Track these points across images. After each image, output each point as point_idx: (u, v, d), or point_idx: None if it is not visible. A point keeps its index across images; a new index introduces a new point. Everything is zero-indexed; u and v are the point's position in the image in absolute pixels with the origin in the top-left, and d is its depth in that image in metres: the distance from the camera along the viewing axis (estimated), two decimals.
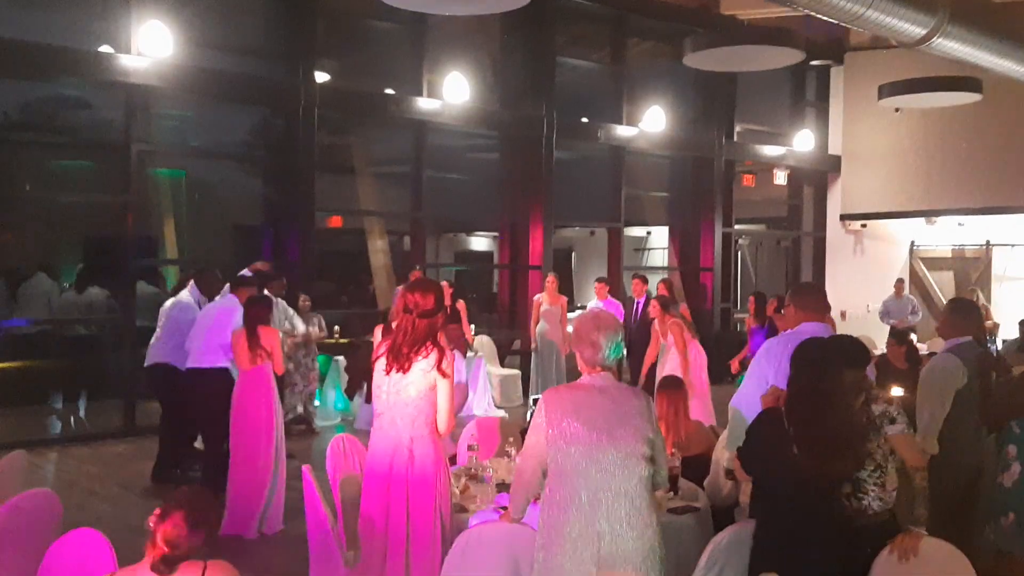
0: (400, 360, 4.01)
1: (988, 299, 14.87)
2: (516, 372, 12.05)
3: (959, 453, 4.63)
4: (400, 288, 7.61)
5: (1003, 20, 10.44)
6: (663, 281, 11.28)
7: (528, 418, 5.18)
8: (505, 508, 3.84)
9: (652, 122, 13.77)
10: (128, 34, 9.27)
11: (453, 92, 11.71)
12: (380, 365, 4.07)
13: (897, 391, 6.30)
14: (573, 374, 3.58)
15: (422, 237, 12.39)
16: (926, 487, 3.81)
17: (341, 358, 10.42)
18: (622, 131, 13.52)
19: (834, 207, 16.44)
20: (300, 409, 9.65)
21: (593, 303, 11.11)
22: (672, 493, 4.37)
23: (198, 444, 7.75)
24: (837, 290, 13.84)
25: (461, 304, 10.17)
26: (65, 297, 10.63)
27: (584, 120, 13.40)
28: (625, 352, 9.80)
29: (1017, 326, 10.43)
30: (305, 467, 4.44)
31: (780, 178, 15.65)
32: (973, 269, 15.59)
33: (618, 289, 13.44)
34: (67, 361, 9.87)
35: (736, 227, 15.61)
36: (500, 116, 12.58)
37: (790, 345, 3.78)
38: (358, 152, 12.75)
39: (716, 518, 4.40)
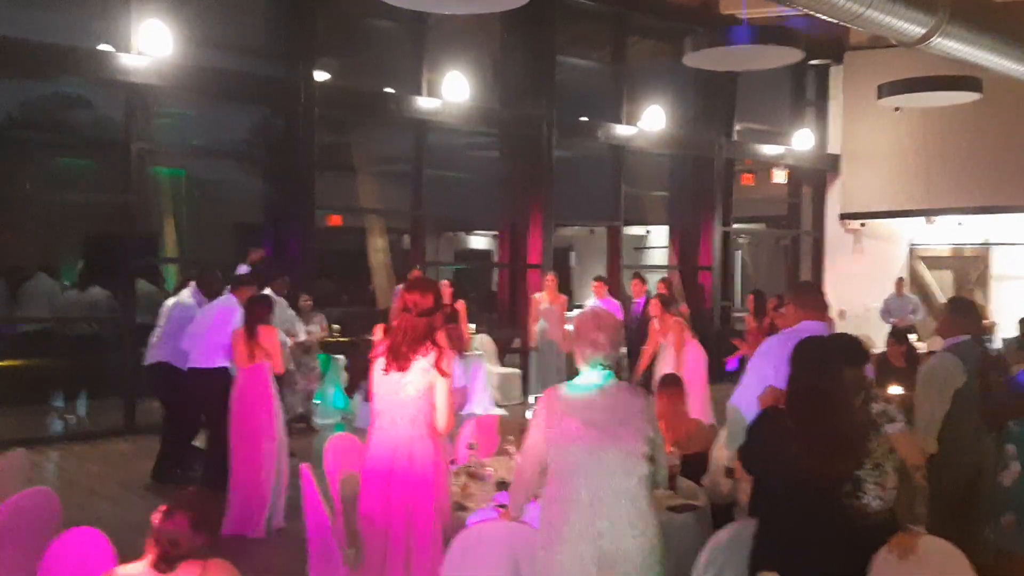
0: (399, 359, 4.02)
1: (987, 298, 14.89)
2: (516, 371, 12.05)
3: (958, 452, 4.64)
4: (399, 287, 7.62)
5: (1003, 19, 10.44)
6: (662, 280, 11.28)
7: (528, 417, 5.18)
8: (505, 506, 3.85)
9: (652, 121, 13.78)
10: (128, 33, 9.27)
11: (453, 91, 11.71)
12: (379, 364, 4.08)
13: (896, 390, 6.31)
14: (573, 373, 3.58)
15: (422, 236, 12.39)
16: (925, 486, 3.81)
17: (341, 356, 10.43)
18: (622, 130, 13.52)
19: (833, 206, 16.45)
20: (300, 408, 9.67)
21: (591, 302, 11.12)
22: (671, 491, 4.38)
23: (198, 443, 7.76)
24: (836, 289, 13.86)
25: (461, 304, 10.16)
26: (66, 296, 10.63)
27: (584, 119, 13.40)
28: (624, 351, 9.83)
29: (1017, 325, 10.44)
30: (304, 465, 4.45)
31: (779, 177, 15.64)
32: (972, 268, 15.60)
33: (617, 288, 13.44)
34: (67, 360, 9.87)
35: (735, 226, 15.61)
36: (500, 115, 12.59)
37: (789, 344, 3.79)
38: (358, 151, 12.76)
39: (715, 516, 4.41)
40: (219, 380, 6.61)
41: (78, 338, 10.09)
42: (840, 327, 10.06)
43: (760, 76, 13.73)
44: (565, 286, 13.18)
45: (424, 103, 11.52)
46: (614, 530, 3.20)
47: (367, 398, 4.70)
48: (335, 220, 14.50)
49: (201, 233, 12.94)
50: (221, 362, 6.72)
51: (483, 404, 10.62)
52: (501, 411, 10.47)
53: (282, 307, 8.94)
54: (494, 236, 17.68)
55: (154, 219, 11.91)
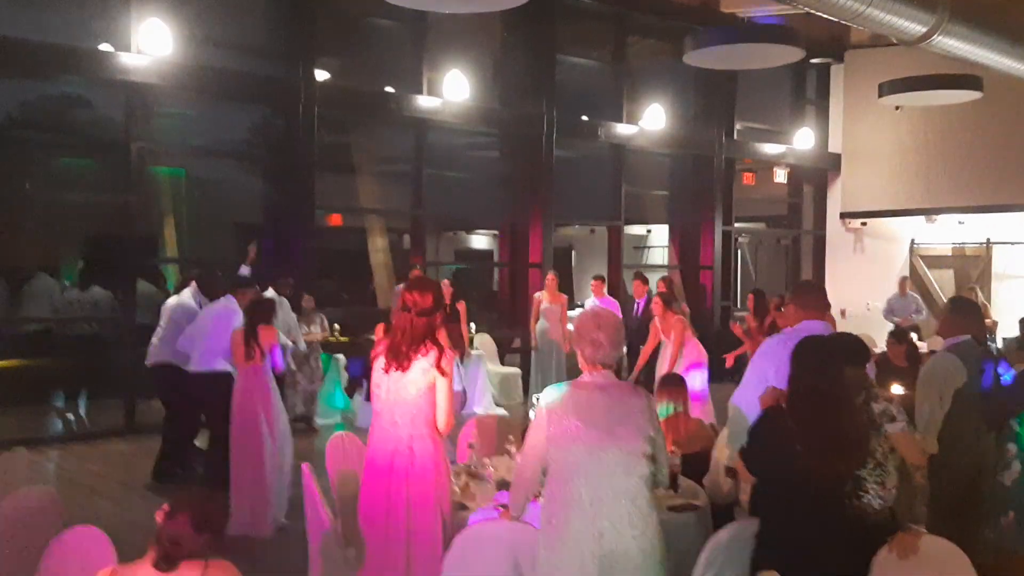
0: (399, 359, 4.01)
1: (988, 297, 14.87)
2: (516, 370, 12.05)
3: (959, 452, 4.63)
4: (400, 287, 7.61)
5: (1003, 18, 10.44)
6: (663, 279, 11.27)
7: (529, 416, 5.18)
8: (505, 506, 3.84)
9: (652, 120, 13.77)
10: (128, 32, 9.27)
11: (453, 90, 11.71)
12: (379, 364, 4.08)
13: (897, 389, 6.31)
14: (573, 372, 3.58)
15: (422, 235, 12.39)
16: (926, 485, 3.81)
17: (341, 356, 10.43)
18: (622, 129, 13.52)
19: (834, 205, 16.44)
20: (300, 408, 9.66)
21: (591, 301, 11.12)
22: (672, 491, 4.38)
23: (198, 443, 7.76)
24: (837, 288, 13.82)
25: (461, 305, 10.17)
26: (67, 296, 10.63)
27: (584, 118, 13.40)
28: (625, 350, 9.82)
29: (1017, 324, 10.44)
30: (305, 465, 4.45)
31: (780, 176, 15.64)
32: (973, 267, 15.58)
33: (618, 287, 13.43)
34: (68, 360, 9.87)
35: (736, 225, 15.60)
36: (500, 114, 12.58)
37: (790, 343, 3.79)
38: (358, 150, 12.74)
39: (716, 516, 4.40)
40: (222, 383, 6.61)
41: (78, 338, 10.08)
42: (841, 326, 10.05)
43: (761, 75, 13.73)
44: (565, 286, 13.17)
45: (424, 102, 11.52)
46: (614, 530, 3.20)
47: (367, 398, 4.70)
48: (335, 220, 14.51)
49: (201, 233, 12.91)
50: (223, 365, 6.72)
51: (483, 404, 10.62)
52: (501, 411, 10.47)
53: (285, 309, 8.94)
54: (494, 236, 17.67)
55: (154, 219, 11.90)
